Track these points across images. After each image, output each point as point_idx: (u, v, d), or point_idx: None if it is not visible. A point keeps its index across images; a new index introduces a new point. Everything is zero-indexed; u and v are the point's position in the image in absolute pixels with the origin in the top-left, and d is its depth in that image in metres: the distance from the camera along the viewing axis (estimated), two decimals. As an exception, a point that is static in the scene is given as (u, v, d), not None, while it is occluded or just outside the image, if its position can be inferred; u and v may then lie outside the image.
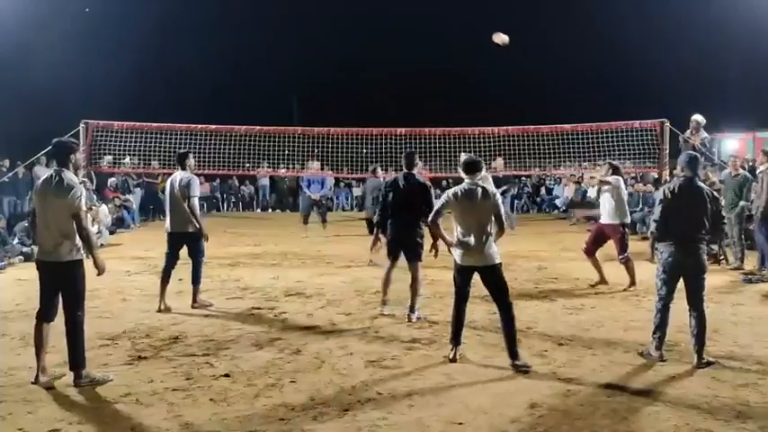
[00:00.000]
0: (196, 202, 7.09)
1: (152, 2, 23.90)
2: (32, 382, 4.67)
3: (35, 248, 10.60)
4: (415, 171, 6.68)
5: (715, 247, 10.34)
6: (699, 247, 5.14)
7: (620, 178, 8.14)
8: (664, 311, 5.24)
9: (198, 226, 7.03)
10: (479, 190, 5.10)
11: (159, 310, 6.93)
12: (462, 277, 5.22)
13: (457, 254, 5.18)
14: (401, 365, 5.11)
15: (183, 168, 7.28)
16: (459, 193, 5.14)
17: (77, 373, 4.69)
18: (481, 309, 6.50)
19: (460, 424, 4.03)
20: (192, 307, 7.04)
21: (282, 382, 4.76)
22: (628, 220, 8.18)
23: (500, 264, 5.15)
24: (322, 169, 14.40)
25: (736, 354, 5.41)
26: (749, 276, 8.71)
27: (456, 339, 5.22)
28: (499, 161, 13.92)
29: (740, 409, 4.23)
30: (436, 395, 4.50)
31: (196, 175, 7.60)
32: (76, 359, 4.70)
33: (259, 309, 7.11)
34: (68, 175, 4.79)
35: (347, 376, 4.88)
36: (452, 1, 26.84)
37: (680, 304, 7.23)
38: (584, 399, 4.42)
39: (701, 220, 5.09)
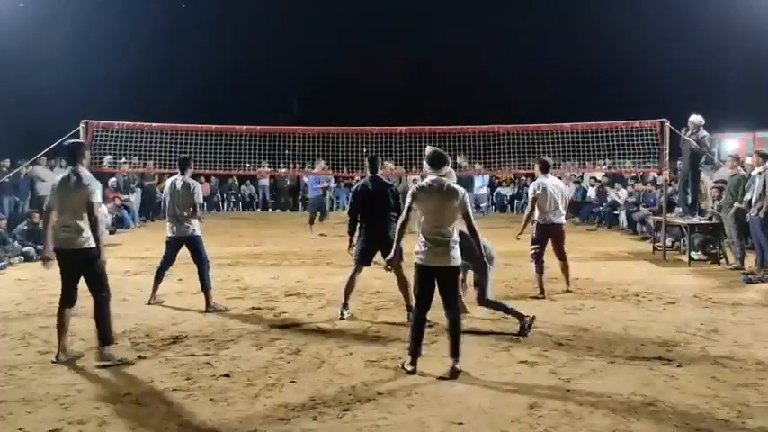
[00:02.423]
0: (198, 209, 7.18)
1: (152, 2, 23.89)
2: (53, 361, 5.17)
3: (33, 248, 10.72)
4: (379, 174, 6.75)
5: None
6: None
7: (541, 181, 7.76)
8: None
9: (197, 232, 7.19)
10: (447, 185, 4.87)
11: (149, 303, 7.24)
12: (428, 279, 4.88)
13: (420, 254, 4.87)
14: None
15: (184, 173, 7.30)
16: (426, 186, 4.90)
17: (100, 350, 5.14)
18: (481, 308, 6.49)
19: (460, 424, 4.03)
20: (206, 311, 6.95)
21: (282, 382, 4.76)
22: (553, 220, 7.76)
23: (459, 266, 4.96)
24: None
25: (736, 354, 5.41)
26: (749, 276, 8.71)
27: (416, 353, 4.94)
28: (460, 158, 14.29)
29: (740, 409, 4.24)
30: (436, 395, 4.50)
31: (196, 175, 7.60)
32: (103, 336, 5.17)
33: (259, 309, 7.12)
34: (84, 172, 5.26)
35: (347, 376, 4.88)
36: (452, 1, 26.82)
37: (679, 304, 7.28)
38: (584, 399, 4.41)
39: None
